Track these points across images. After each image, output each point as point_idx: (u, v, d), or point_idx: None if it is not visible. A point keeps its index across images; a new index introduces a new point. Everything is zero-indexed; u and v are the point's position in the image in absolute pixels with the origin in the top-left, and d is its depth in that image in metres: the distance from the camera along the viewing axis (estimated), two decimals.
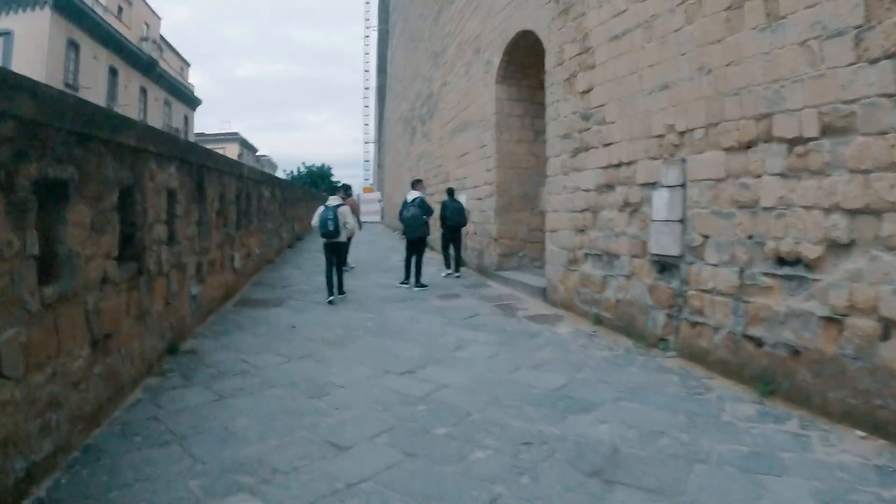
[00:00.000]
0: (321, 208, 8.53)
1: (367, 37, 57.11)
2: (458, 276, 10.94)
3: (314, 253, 15.17)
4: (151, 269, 5.08)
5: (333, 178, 56.83)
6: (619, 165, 6.35)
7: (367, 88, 57.65)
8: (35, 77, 3.95)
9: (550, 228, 7.95)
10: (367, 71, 57.59)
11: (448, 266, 11.13)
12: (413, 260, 9.76)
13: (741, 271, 4.80)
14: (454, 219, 10.81)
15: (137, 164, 4.81)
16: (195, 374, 4.98)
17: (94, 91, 26.39)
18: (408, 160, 23.13)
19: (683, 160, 5.42)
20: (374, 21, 49.91)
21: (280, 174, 61.10)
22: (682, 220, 5.46)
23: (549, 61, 7.92)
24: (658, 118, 5.73)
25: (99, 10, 27.53)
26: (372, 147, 58.36)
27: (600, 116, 6.67)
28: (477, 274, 11.08)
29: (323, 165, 57.25)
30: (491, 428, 3.82)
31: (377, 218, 36.78)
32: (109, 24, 28.34)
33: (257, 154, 63.19)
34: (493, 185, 10.24)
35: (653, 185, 5.81)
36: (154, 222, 5.16)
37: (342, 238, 8.57)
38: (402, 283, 9.78)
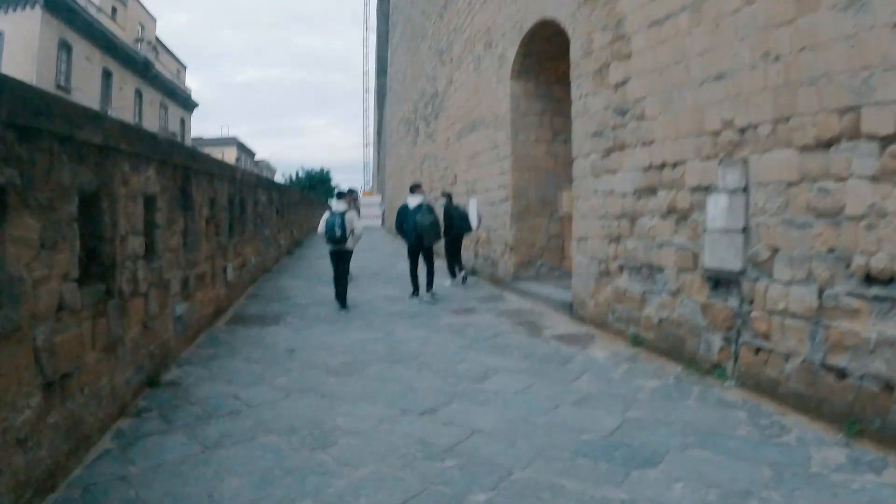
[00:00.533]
0: (327, 214, 8.16)
1: (366, 38, 56.43)
2: (463, 285, 10.27)
3: (313, 260, 14.42)
4: (124, 290, 4.30)
5: (333, 183, 57.43)
6: (662, 167, 5.59)
7: (366, 91, 56.95)
8: (25, 79, 3.20)
9: (578, 236, 7.18)
10: (366, 73, 56.90)
11: (454, 275, 10.42)
12: (424, 270, 9.04)
13: (820, 291, 4.03)
14: (461, 226, 10.13)
15: (105, 165, 4.03)
16: (177, 413, 4.20)
17: (86, 93, 25.62)
18: (410, 163, 22.37)
19: (745, 160, 4.66)
20: (374, 22, 49.31)
21: (278, 178, 61.36)
22: (744, 230, 4.69)
23: (575, 51, 7.17)
24: (712, 112, 4.97)
25: (92, 11, 26.77)
26: (371, 150, 57.68)
27: (639, 111, 5.91)
28: (491, 285, 10.31)
29: (322, 169, 57.30)
30: (541, 493, 3.04)
31: (377, 222, 36.01)
32: (103, 25, 27.59)
33: (256, 158, 62.87)
34: (508, 188, 9.47)
35: (706, 188, 5.05)
36: (127, 234, 4.38)
37: (350, 245, 8.22)
38: (413, 295, 8.94)
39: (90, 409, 3.68)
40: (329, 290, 9.15)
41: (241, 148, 55.61)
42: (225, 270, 7.81)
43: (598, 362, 5.47)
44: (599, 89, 6.61)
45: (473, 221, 11.51)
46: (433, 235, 8.87)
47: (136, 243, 4.58)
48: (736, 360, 4.85)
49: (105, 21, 28.25)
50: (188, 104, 41.70)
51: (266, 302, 8.71)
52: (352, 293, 8.85)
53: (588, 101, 6.85)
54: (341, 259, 8.24)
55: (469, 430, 3.85)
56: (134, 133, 4.52)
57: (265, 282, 10.74)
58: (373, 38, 49.88)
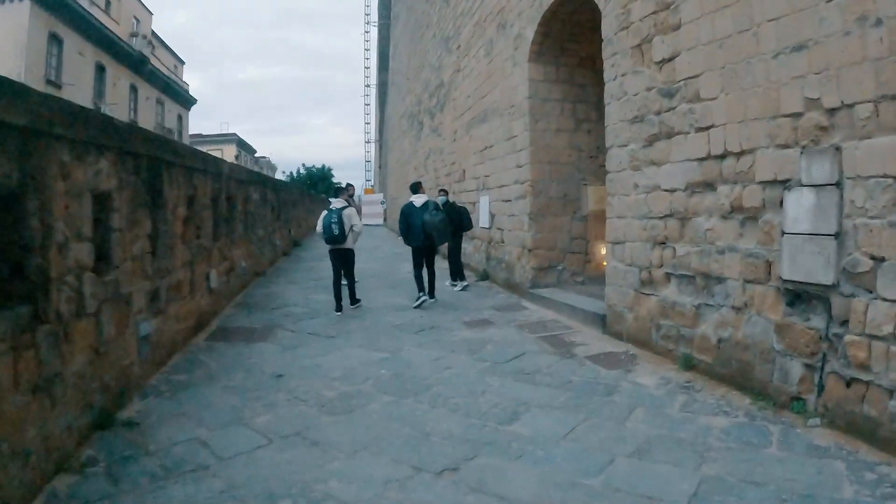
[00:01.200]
0: (324, 212, 7.79)
1: (367, 32, 55.47)
2: (466, 287, 9.60)
3: (312, 262, 13.50)
4: (62, 311, 3.39)
5: (334, 180, 57.47)
6: (723, 156, 4.65)
7: (367, 86, 55.92)
8: (13, 75, 2.28)
9: (613, 239, 6.23)
10: (367, 68, 55.90)
11: (454, 278, 9.81)
12: (426, 272, 8.40)
13: None
14: (462, 224, 9.68)
15: (32, 154, 3.12)
16: (129, 468, 3.30)
17: (79, 88, 24.71)
18: (414, 158, 21.43)
19: (837, 148, 3.73)
20: (375, 16, 48.41)
21: (279, 176, 61.13)
22: (836, 235, 3.76)
23: (609, 26, 6.21)
24: (791, 91, 4.03)
25: (84, 3, 25.82)
26: (373, 147, 56.64)
27: (691, 91, 4.97)
28: (506, 291, 9.37)
29: (323, 167, 56.94)
30: None
31: (380, 221, 35.11)
32: (96, 18, 26.63)
33: (256, 155, 62.26)
34: (526, 184, 8.53)
35: (783, 182, 4.11)
36: (68, 241, 3.47)
37: (349, 244, 7.89)
38: (418, 302, 8.16)
39: (12, 470, 2.78)
40: (327, 298, 8.25)
41: (241, 145, 54.79)
42: (208, 277, 6.89)
43: (648, 393, 4.53)
44: (640, 67, 5.66)
45: (484, 220, 10.59)
46: (444, 234, 8.33)
47: (82, 252, 3.67)
48: (821, 392, 3.92)
49: (98, 14, 27.28)
50: (186, 100, 40.75)
51: (256, 311, 7.79)
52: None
53: (626, 81, 5.89)
54: (342, 259, 7.90)
55: (503, 500, 2.93)
56: (77, 114, 3.59)
57: (257, 287, 9.82)
58: (374, 33, 48.92)
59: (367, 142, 58.60)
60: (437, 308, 8.05)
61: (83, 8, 25.57)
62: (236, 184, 8.94)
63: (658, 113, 5.40)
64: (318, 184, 51.19)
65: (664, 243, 5.37)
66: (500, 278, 9.81)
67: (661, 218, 5.40)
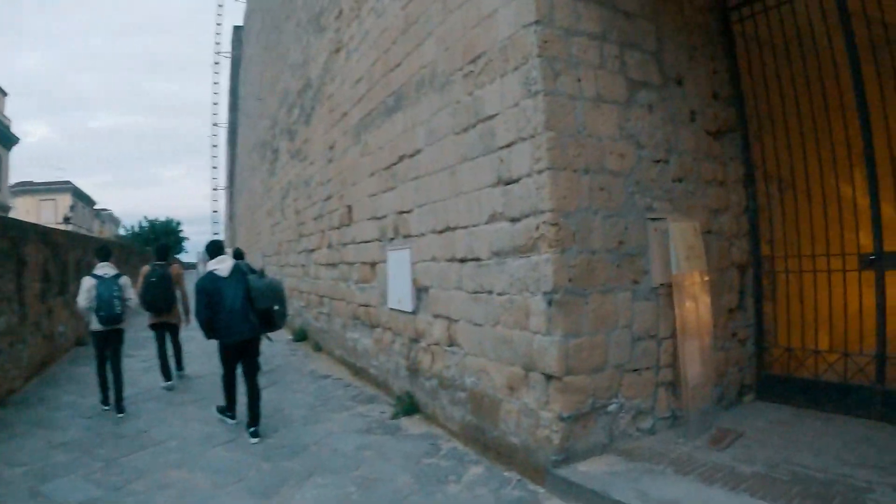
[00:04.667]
0: (90, 281, 5.77)
1: (216, 63, 48.88)
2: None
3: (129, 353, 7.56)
4: None
5: (182, 234, 55.07)
6: None
7: (215, 125, 48.47)
8: None
9: None
10: (215, 104, 48.72)
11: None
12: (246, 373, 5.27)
13: None
14: (265, 301, 5.13)
15: None
16: None
17: None
18: (267, 199, 15.79)
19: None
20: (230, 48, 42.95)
21: (121, 231, 56.73)
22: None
23: None
24: None
25: None
26: (223, 196, 49.00)
27: None
28: (486, 460, 4.30)
29: (170, 220, 53.62)
30: None
31: None
32: None
33: (96, 207, 54.72)
34: (539, 219, 3.67)
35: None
36: None
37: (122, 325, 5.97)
38: (228, 416, 5.43)
39: None
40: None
41: (79, 195, 47.16)
42: None
43: None
44: None
45: (401, 296, 5.57)
46: (284, 303, 5.26)
47: None
48: None
49: None
50: (6, 138, 31.48)
51: None
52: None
53: None
54: (115, 342, 5.96)
55: None
56: None
57: None
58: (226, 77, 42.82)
59: (215, 188, 50.47)
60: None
61: None
62: None
63: None
64: (160, 238, 46.74)
65: None
66: (456, 419, 4.73)
67: None
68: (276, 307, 5.08)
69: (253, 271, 5.44)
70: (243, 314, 5.00)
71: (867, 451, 3.58)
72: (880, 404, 3.96)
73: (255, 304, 5.03)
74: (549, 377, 3.61)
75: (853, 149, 4.21)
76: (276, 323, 5.15)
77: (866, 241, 4.08)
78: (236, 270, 5.18)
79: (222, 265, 5.16)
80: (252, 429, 4.92)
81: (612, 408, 3.78)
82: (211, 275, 5.08)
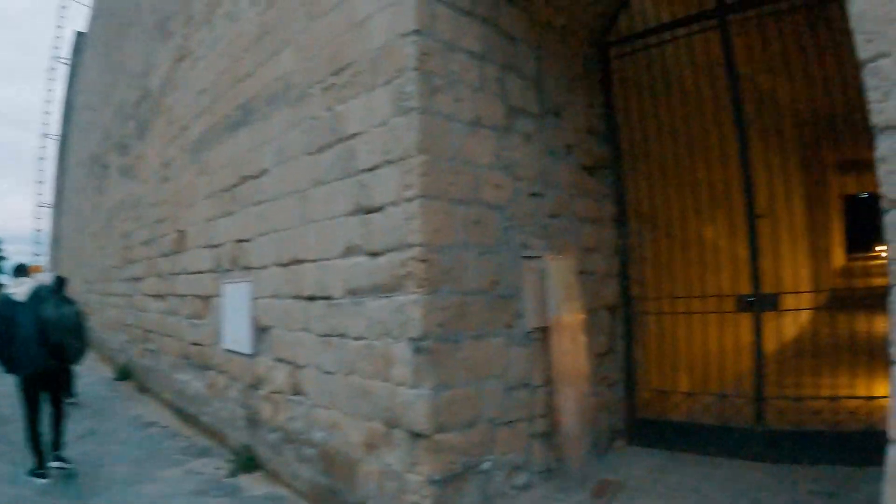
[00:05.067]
0: None
1: (52, 69, 43.43)
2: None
3: None
4: None
5: (2, 254, 46.39)
6: None
7: (44, 135, 42.69)
8: None
9: None
10: (47, 112, 42.99)
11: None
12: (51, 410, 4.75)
13: None
14: (56, 335, 4.59)
15: None
16: None
17: None
18: (94, 221, 13.82)
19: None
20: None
21: None
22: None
23: None
24: None
25: None
26: (50, 214, 43.17)
27: None
28: None
29: None
30: None
31: None
32: None
33: None
34: (408, 254, 3.19)
35: None
36: None
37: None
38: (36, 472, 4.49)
39: None
40: None
41: None
42: None
43: None
44: None
45: (238, 336, 4.82)
46: (82, 336, 4.82)
47: None
48: None
49: None
50: None
51: None
52: None
53: None
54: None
55: None
56: None
57: None
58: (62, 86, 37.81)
59: (40, 205, 44.33)
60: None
61: None
62: None
63: None
64: None
65: None
66: (304, 479, 4.02)
67: None
68: (70, 341, 4.64)
69: (65, 299, 5.01)
70: (41, 343, 4.54)
71: (757, 496, 3.45)
72: (761, 445, 3.91)
73: (47, 336, 4.53)
74: (416, 435, 3.08)
75: (715, 192, 4.24)
76: (69, 360, 4.80)
77: (732, 284, 4.09)
78: (35, 295, 4.71)
79: (19, 289, 4.76)
80: (55, 453, 4.52)
81: (485, 466, 3.33)
82: (6, 299, 4.69)
